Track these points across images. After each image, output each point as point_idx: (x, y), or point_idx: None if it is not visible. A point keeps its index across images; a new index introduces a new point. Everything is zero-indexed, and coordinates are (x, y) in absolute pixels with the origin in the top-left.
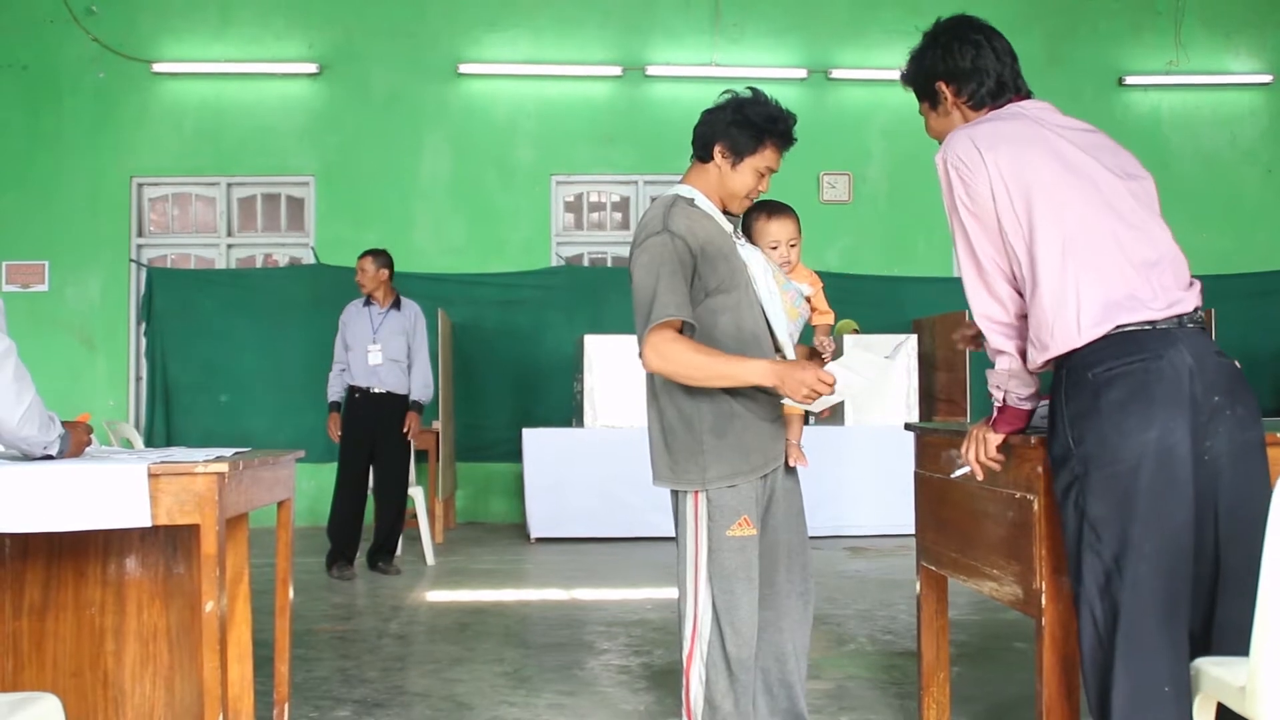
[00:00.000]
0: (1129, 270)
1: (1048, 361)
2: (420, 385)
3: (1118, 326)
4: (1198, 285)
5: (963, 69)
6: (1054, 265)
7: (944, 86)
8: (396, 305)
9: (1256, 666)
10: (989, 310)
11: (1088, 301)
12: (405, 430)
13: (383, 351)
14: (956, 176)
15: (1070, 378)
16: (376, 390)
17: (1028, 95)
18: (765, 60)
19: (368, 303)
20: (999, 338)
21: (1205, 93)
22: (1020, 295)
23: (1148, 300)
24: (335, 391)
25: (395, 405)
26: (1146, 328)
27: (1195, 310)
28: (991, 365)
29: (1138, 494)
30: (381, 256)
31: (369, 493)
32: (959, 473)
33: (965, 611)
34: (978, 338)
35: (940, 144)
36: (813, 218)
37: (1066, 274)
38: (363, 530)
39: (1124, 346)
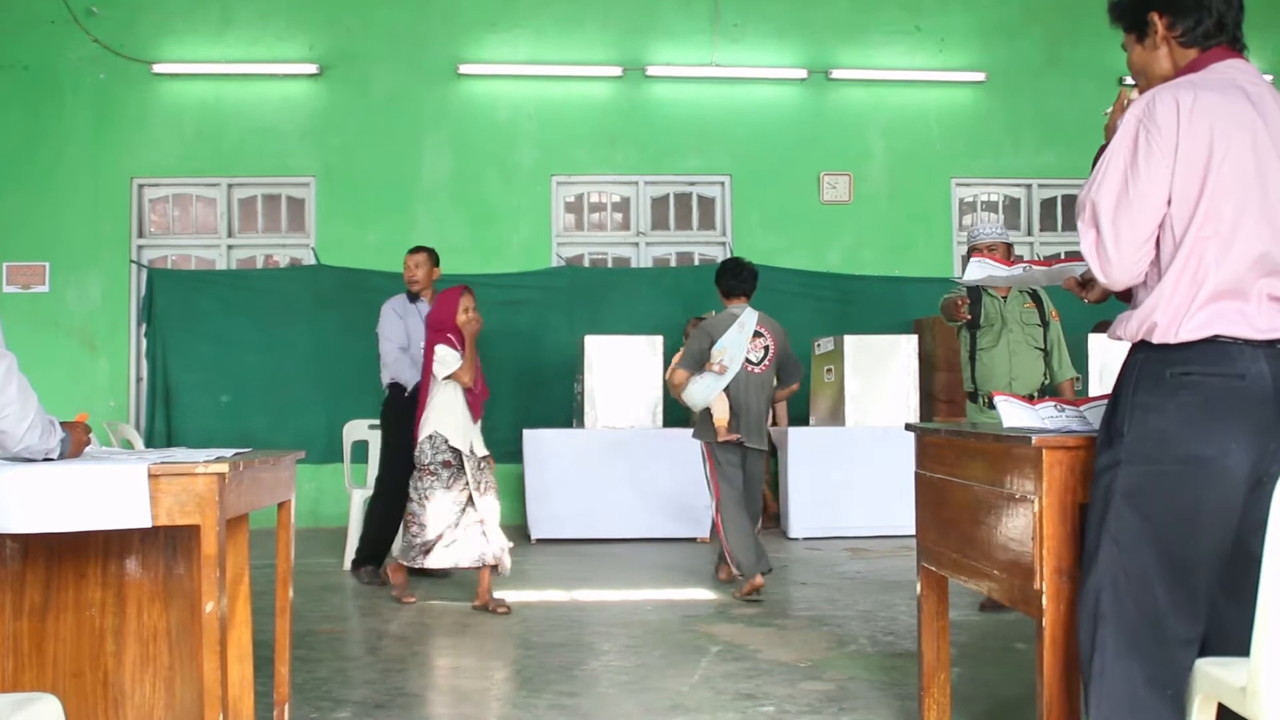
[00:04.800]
0: (1253, 287)
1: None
2: None
3: (1214, 335)
4: None
5: (1183, 1)
6: (1191, 262)
7: (1157, 18)
8: None
9: (1257, 666)
10: (1093, 256)
11: (1198, 308)
12: None
13: None
14: (1145, 139)
15: (1147, 367)
16: None
17: (1242, 49)
18: (765, 60)
19: (413, 299)
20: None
21: None
22: (1136, 268)
23: (1253, 318)
24: (403, 371)
25: None
26: (1240, 343)
27: None
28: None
29: (1176, 503)
30: (434, 255)
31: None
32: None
33: (966, 612)
34: (1086, 286)
35: (1136, 83)
36: (813, 218)
37: (1196, 276)
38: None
39: (1211, 356)
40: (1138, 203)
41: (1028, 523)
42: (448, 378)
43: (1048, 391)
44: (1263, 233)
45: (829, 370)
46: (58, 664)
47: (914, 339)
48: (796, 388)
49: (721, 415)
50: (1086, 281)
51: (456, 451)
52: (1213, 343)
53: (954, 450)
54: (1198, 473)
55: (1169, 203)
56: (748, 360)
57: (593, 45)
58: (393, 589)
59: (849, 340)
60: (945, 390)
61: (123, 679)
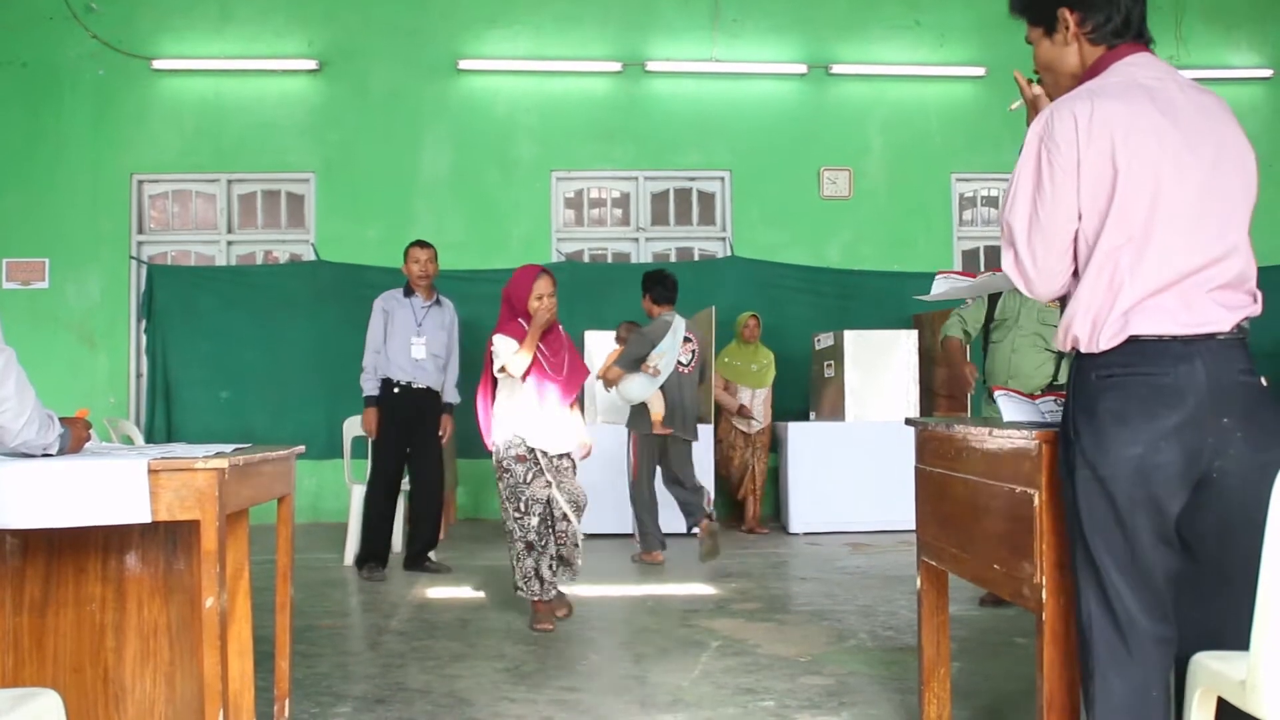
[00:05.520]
0: (1179, 285)
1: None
2: (453, 386)
3: (1131, 337)
4: (1254, 304)
5: None
6: (1105, 270)
7: (1069, 13)
8: (437, 301)
9: (1257, 660)
10: (1012, 273)
11: (1116, 313)
12: (441, 435)
13: (426, 346)
14: (1047, 158)
15: (1079, 373)
16: (417, 385)
17: (1149, 43)
18: (765, 55)
19: (408, 294)
20: (1008, 265)
21: (1206, 87)
22: (1056, 284)
23: (1176, 313)
24: (375, 384)
25: (434, 401)
26: (1165, 339)
27: (1234, 328)
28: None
29: (1115, 503)
30: (433, 249)
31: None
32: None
33: (966, 607)
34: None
35: (1041, 76)
36: (813, 213)
37: (1112, 282)
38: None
39: (1133, 357)
40: (1047, 221)
41: (1027, 517)
42: (499, 372)
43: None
44: (1183, 231)
45: (829, 365)
46: (58, 659)
47: (914, 334)
48: (703, 386)
49: (658, 411)
50: None
51: (530, 447)
52: (1134, 343)
53: (954, 445)
54: (1130, 472)
55: (1080, 216)
56: (679, 362)
57: (592, 41)
58: (534, 621)
59: (849, 335)
60: (945, 385)
61: (123, 674)
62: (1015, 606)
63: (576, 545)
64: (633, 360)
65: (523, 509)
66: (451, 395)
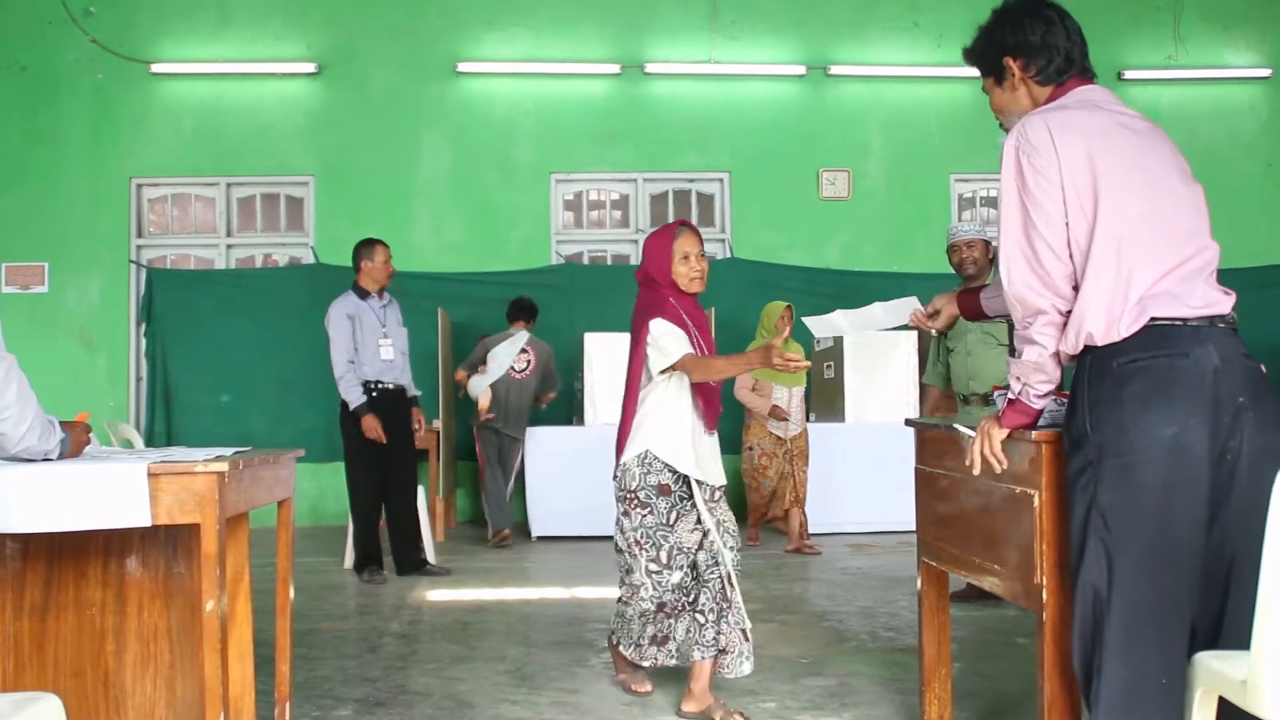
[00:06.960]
0: (1171, 270)
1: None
2: (411, 380)
3: (1151, 320)
4: (1233, 295)
5: (1032, 44)
6: (1108, 263)
7: (1012, 61)
8: (389, 299)
9: (1258, 660)
10: (1033, 299)
11: (1131, 301)
12: (418, 429)
13: (394, 345)
14: (1028, 163)
15: (1095, 364)
16: (391, 386)
17: (1093, 77)
18: (763, 57)
19: (364, 296)
20: (1045, 327)
21: (1204, 87)
22: (1069, 288)
23: (1184, 297)
24: (360, 391)
25: (405, 400)
26: (1178, 323)
27: (1231, 312)
28: (1014, 355)
29: (1150, 488)
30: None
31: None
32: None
33: (966, 607)
34: (933, 316)
35: (1000, 121)
36: (812, 214)
37: (1120, 273)
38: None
39: (1152, 340)
40: (1042, 224)
41: (1028, 517)
42: (665, 371)
43: None
44: (1169, 223)
45: (829, 366)
46: (58, 663)
47: (913, 335)
48: (554, 396)
49: (483, 403)
50: (934, 313)
51: (678, 475)
52: (1151, 327)
53: (954, 445)
54: (1163, 454)
55: (1067, 215)
56: (511, 368)
57: (591, 42)
58: (619, 675)
59: (849, 337)
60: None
61: (123, 678)
62: (996, 604)
63: (744, 619)
64: (470, 362)
65: (663, 560)
66: (413, 389)
